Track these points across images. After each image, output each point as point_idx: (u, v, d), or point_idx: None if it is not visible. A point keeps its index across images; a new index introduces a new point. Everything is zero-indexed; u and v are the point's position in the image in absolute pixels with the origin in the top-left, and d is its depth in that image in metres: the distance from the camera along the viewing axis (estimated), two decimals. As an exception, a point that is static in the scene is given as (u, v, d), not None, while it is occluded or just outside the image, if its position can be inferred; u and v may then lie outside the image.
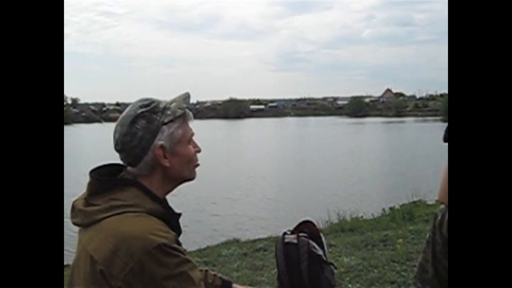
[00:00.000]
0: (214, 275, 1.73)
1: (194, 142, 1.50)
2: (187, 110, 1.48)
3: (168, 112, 1.41)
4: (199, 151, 1.53)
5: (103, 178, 1.39)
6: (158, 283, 1.22)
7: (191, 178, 1.50)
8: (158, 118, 1.40)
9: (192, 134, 1.49)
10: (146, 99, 1.44)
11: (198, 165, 1.53)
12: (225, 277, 1.77)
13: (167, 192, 1.46)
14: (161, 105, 1.43)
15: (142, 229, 1.24)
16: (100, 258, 1.23)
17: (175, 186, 1.49)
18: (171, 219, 1.40)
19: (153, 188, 1.40)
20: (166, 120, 1.40)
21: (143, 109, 1.40)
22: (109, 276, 1.22)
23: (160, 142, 1.38)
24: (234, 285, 1.75)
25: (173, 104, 1.44)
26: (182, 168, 1.45)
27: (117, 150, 1.42)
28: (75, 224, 1.37)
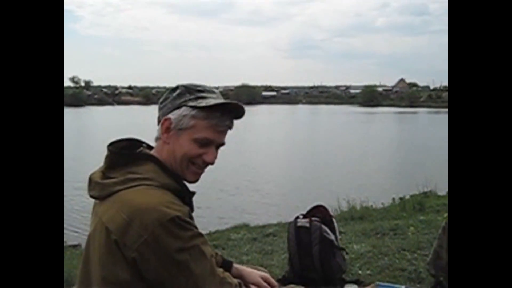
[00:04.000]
0: (216, 253, 1.74)
1: (210, 152, 1.44)
2: (221, 120, 1.42)
3: (199, 100, 1.41)
4: (207, 162, 1.45)
5: (121, 152, 1.41)
6: (171, 255, 1.24)
7: (186, 178, 1.45)
8: (186, 97, 1.42)
9: (208, 140, 1.42)
10: (208, 86, 1.48)
11: (201, 172, 1.47)
12: (226, 258, 1.78)
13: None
14: (201, 93, 1.43)
15: (156, 201, 1.26)
16: (114, 228, 1.26)
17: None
18: (185, 196, 1.41)
19: (164, 161, 1.41)
20: (189, 104, 1.41)
21: (186, 85, 1.45)
22: (123, 247, 1.24)
23: (170, 116, 1.42)
24: (235, 265, 1.75)
25: (211, 100, 1.41)
26: (174, 157, 1.41)
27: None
28: (92, 196, 1.40)
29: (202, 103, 1.40)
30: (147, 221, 1.22)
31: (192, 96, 1.42)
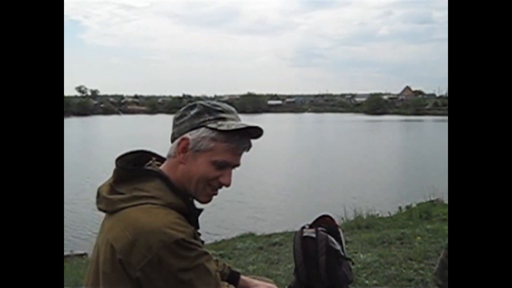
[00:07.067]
0: (223, 264, 1.75)
1: (227, 174, 1.42)
2: (241, 144, 1.41)
3: (219, 122, 1.39)
4: (224, 184, 1.43)
5: (128, 168, 1.41)
6: (176, 274, 1.24)
7: (198, 199, 1.44)
8: (205, 118, 1.39)
9: (226, 163, 1.40)
10: (225, 104, 1.45)
11: (214, 194, 1.45)
12: (234, 268, 1.78)
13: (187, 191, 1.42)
14: (220, 113, 1.41)
15: (161, 223, 1.25)
16: (119, 247, 1.26)
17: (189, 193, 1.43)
18: (191, 214, 1.40)
19: (175, 179, 1.40)
20: (209, 125, 1.38)
21: (204, 103, 1.42)
22: (127, 266, 1.24)
23: (188, 136, 1.39)
24: (242, 277, 1.75)
25: (231, 122, 1.40)
26: (189, 178, 1.40)
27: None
28: (100, 209, 1.40)
29: (223, 125, 1.37)
30: (151, 242, 1.22)
31: (212, 117, 1.39)
